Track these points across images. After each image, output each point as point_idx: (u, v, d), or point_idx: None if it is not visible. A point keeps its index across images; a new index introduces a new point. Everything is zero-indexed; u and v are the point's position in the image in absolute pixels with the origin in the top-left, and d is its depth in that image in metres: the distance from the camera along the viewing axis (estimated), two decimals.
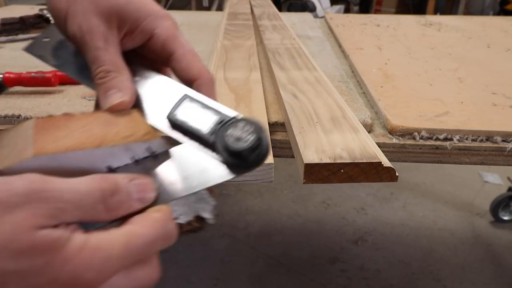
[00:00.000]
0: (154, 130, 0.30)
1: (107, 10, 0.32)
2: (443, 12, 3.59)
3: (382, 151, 0.40)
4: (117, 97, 0.30)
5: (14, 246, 0.21)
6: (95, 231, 0.24)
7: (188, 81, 0.34)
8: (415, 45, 0.91)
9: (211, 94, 0.34)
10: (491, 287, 1.36)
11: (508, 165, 0.50)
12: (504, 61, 0.81)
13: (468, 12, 3.55)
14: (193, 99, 0.32)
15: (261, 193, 1.78)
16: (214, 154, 0.30)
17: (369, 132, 0.51)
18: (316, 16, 1.25)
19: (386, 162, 0.37)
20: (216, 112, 0.31)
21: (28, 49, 0.38)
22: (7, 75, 0.61)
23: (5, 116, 0.54)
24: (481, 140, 0.50)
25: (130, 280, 0.25)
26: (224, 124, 0.30)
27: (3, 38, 0.94)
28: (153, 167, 0.30)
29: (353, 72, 0.74)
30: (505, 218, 1.63)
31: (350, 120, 0.45)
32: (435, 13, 3.53)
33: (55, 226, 0.23)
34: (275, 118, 0.52)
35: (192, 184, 0.29)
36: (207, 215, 0.37)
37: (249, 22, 1.00)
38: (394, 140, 0.50)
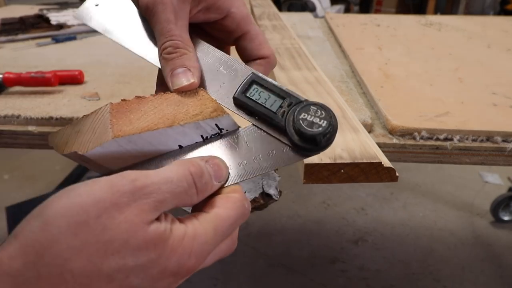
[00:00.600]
0: (222, 107, 0.31)
1: None
2: (443, 12, 3.59)
3: (382, 151, 0.40)
4: (186, 79, 0.31)
5: (132, 243, 0.23)
6: (188, 218, 0.27)
7: (257, 59, 0.35)
8: (415, 45, 0.91)
9: (271, 75, 0.35)
10: (491, 287, 1.36)
11: (508, 165, 0.50)
12: (504, 61, 0.81)
13: (468, 12, 3.55)
14: (260, 79, 0.32)
15: None
16: (281, 135, 0.30)
17: (369, 132, 0.51)
18: (316, 16, 1.25)
19: (386, 162, 0.37)
20: (285, 93, 0.31)
21: (78, 14, 0.37)
22: (7, 75, 0.61)
23: (5, 116, 0.54)
24: (481, 140, 0.49)
25: (215, 254, 0.28)
26: (293, 106, 0.30)
27: (3, 38, 0.94)
28: (222, 144, 0.31)
29: (353, 72, 0.74)
30: (505, 218, 1.63)
31: (350, 120, 0.45)
32: (435, 13, 3.53)
33: (157, 219, 0.25)
34: None
35: (262, 165, 0.30)
36: (272, 191, 0.37)
37: None
38: (394, 140, 0.50)
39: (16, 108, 0.56)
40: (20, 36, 0.96)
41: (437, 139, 0.50)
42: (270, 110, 0.30)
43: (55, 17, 1.06)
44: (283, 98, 0.30)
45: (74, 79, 0.66)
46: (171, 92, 0.31)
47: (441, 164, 0.50)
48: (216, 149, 0.31)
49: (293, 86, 0.55)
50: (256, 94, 0.31)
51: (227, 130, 0.31)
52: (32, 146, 0.54)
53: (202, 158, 0.29)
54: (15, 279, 0.21)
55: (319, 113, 0.29)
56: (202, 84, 0.33)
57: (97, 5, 0.36)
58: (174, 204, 0.26)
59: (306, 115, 0.29)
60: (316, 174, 0.37)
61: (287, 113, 0.30)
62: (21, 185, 1.82)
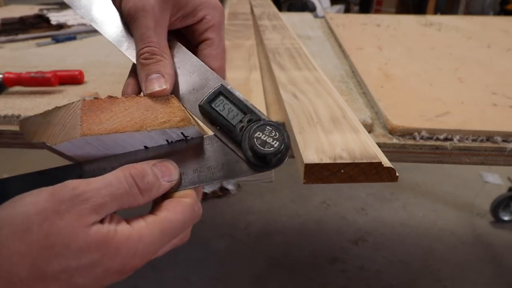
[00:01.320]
0: (189, 117, 0.32)
1: None
2: (443, 12, 3.59)
3: (382, 151, 0.39)
4: (158, 85, 0.32)
5: (74, 246, 0.24)
6: (135, 220, 0.28)
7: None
8: (415, 45, 0.91)
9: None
10: (491, 287, 1.36)
11: (508, 165, 0.50)
12: (504, 61, 0.81)
13: (468, 12, 3.55)
14: (227, 92, 0.33)
15: (261, 193, 1.78)
16: (238, 149, 0.31)
17: (369, 132, 0.51)
18: (316, 16, 1.25)
19: (386, 162, 0.37)
20: (248, 109, 0.32)
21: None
22: (7, 75, 0.61)
23: (4, 116, 0.54)
24: (481, 140, 0.49)
25: (165, 249, 0.29)
26: (252, 123, 0.31)
27: (3, 38, 0.94)
28: (183, 149, 0.32)
29: (353, 72, 0.74)
30: (505, 218, 1.63)
31: (350, 120, 0.45)
32: (435, 13, 3.53)
33: (101, 222, 0.26)
34: (275, 118, 0.52)
35: (215, 175, 0.31)
36: (230, 186, 0.37)
37: (249, 22, 1.00)
38: (394, 140, 0.50)
39: (16, 108, 0.56)
40: (20, 36, 0.96)
41: (437, 139, 0.50)
42: (230, 123, 0.32)
43: (55, 17, 1.06)
44: (245, 113, 0.32)
45: (74, 79, 0.66)
46: (143, 96, 0.32)
47: (441, 164, 0.50)
48: (178, 152, 0.32)
49: (293, 86, 0.55)
50: (221, 105, 0.32)
51: (191, 138, 0.32)
52: (32, 146, 0.54)
53: (148, 162, 0.30)
54: None
55: (273, 133, 0.30)
56: (175, 86, 0.34)
57: None
58: (117, 205, 0.27)
59: (261, 134, 0.30)
60: (316, 174, 0.37)
61: (245, 128, 0.31)
62: None
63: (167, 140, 0.32)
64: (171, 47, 0.35)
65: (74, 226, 0.25)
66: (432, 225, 1.63)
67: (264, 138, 0.30)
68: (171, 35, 0.36)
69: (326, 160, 0.37)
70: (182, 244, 0.31)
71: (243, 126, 0.31)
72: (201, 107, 0.33)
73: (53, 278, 0.24)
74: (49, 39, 0.95)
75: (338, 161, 0.37)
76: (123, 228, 0.26)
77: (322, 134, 0.42)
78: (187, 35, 0.38)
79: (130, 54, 0.35)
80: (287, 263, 1.44)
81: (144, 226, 0.27)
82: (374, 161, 0.37)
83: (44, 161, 2.15)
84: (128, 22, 0.34)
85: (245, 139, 0.31)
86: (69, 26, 1.03)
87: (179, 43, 0.36)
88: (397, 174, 0.37)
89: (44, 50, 0.89)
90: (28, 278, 0.24)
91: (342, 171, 0.37)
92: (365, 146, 0.39)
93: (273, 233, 1.57)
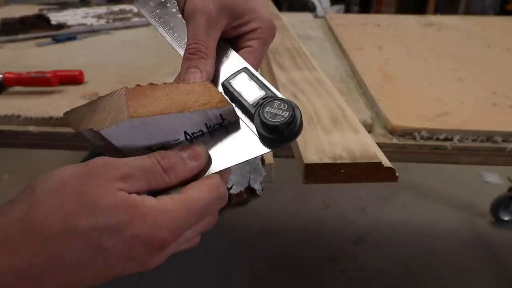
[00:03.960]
0: (227, 99, 0.34)
1: (226, 2, 0.37)
2: (443, 12, 3.59)
3: (382, 151, 0.39)
4: (195, 77, 0.35)
5: (103, 204, 0.26)
6: (162, 196, 0.29)
7: None
8: (415, 45, 0.91)
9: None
10: (491, 287, 1.36)
11: (508, 165, 0.50)
12: (504, 61, 0.81)
13: (468, 12, 3.55)
14: (250, 73, 0.35)
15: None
16: (253, 125, 0.33)
17: (369, 132, 0.51)
18: (316, 16, 1.25)
19: (386, 162, 0.37)
20: (266, 89, 0.34)
21: (137, 6, 0.44)
22: (7, 75, 0.61)
23: (5, 116, 0.54)
24: (482, 140, 0.49)
25: (193, 231, 0.30)
26: (267, 100, 0.32)
27: (3, 38, 0.94)
28: (222, 136, 0.34)
29: (353, 72, 0.74)
30: (505, 218, 1.63)
31: (350, 120, 0.45)
32: (435, 13, 3.53)
33: (128, 193, 0.27)
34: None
35: (233, 158, 0.32)
36: (257, 186, 0.37)
37: None
38: (394, 140, 0.50)
39: (16, 108, 0.56)
40: (20, 36, 0.96)
41: (437, 139, 0.50)
42: (246, 99, 0.33)
43: (55, 17, 1.06)
44: (262, 91, 0.34)
45: (74, 79, 0.66)
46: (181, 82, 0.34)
47: (441, 164, 0.50)
48: (217, 140, 0.34)
49: (293, 86, 0.55)
50: (240, 84, 0.35)
51: (228, 121, 0.33)
52: (32, 146, 0.54)
53: (175, 148, 0.32)
54: (2, 233, 0.25)
55: (283, 106, 0.32)
56: (216, 79, 0.37)
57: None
58: (144, 179, 0.28)
59: (270, 108, 0.32)
60: (316, 174, 0.37)
61: (261, 104, 0.32)
62: (21, 185, 1.82)
63: (206, 124, 0.33)
64: (223, 52, 0.38)
65: (103, 186, 0.26)
66: (432, 225, 1.63)
67: (274, 111, 0.31)
68: (224, 41, 0.39)
69: (326, 160, 0.37)
70: (210, 228, 0.32)
71: (258, 103, 0.33)
72: (223, 85, 0.35)
73: (83, 235, 0.25)
74: (49, 39, 0.95)
75: (338, 161, 0.37)
76: (150, 199, 0.28)
77: (322, 134, 0.42)
78: (234, 40, 0.40)
79: (182, 52, 0.38)
80: (287, 263, 1.44)
81: (171, 202, 0.28)
82: (374, 161, 0.37)
83: (44, 161, 2.15)
84: (186, 20, 0.38)
85: (257, 115, 0.32)
86: (69, 26, 1.03)
87: (232, 49, 0.39)
88: (397, 174, 0.37)
89: (44, 50, 0.89)
90: (59, 232, 0.25)
91: (342, 171, 0.37)
92: (365, 146, 0.39)
93: (273, 233, 1.57)
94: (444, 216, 1.69)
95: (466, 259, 1.46)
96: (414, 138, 0.50)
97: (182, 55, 0.38)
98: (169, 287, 1.32)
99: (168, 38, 0.41)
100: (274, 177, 0.46)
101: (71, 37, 0.97)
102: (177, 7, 0.41)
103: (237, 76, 0.35)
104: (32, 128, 0.53)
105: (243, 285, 1.35)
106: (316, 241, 1.54)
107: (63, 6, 1.27)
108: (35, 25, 1.01)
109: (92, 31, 1.04)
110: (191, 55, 0.36)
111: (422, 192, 1.84)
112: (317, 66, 0.64)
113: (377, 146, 0.40)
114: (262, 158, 0.45)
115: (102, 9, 1.21)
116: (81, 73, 0.66)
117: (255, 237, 1.55)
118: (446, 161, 0.50)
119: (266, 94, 0.33)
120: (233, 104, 0.34)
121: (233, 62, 0.38)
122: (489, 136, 0.49)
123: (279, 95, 0.33)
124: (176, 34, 0.41)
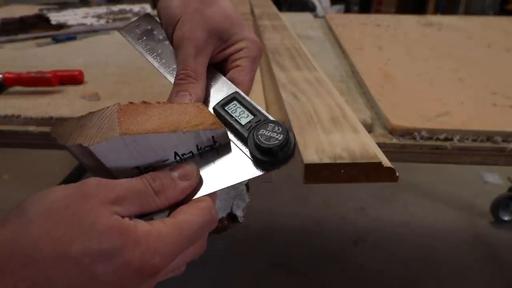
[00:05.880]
0: (219, 121, 0.34)
1: (213, 28, 0.38)
2: (443, 12, 3.59)
3: (382, 151, 0.39)
4: (185, 100, 0.36)
5: (97, 227, 0.25)
6: (154, 221, 0.28)
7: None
8: (415, 45, 0.91)
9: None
10: (491, 287, 1.36)
11: (508, 165, 0.50)
12: (504, 61, 0.81)
13: (468, 12, 3.55)
14: (241, 97, 0.36)
15: (261, 193, 1.78)
16: (246, 148, 0.33)
17: (369, 132, 0.51)
18: (316, 16, 1.25)
19: (386, 162, 0.37)
20: (258, 112, 0.34)
21: (123, 33, 0.44)
22: (7, 75, 0.61)
23: (5, 116, 0.54)
24: (482, 140, 0.49)
25: (183, 257, 0.30)
26: (260, 123, 0.33)
27: (3, 38, 0.94)
28: (213, 158, 0.33)
29: (353, 72, 0.74)
30: (506, 218, 1.63)
31: (350, 120, 0.45)
32: (435, 13, 3.53)
33: (122, 217, 0.27)
34: (275, 118, 0.51)
35: (225, 180, 0.32)
36: (239, 212, 0.37)
37: (249, 22, 1.00)
38: (394, 140, 0.50)
39: (16, 108, 0.56)
40: (20, 36, 0.96)
41: (437, 139, 0.50)
42: (239, 122, 0.34)
43: (55, 17, 1.06)
44: (254, 115, 0.34)
45: (74, 79, 0.66)
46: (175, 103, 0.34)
47: (441, 164, 0.50)
48: (207, 162, 0.33)
49: (293, 86, 0.55)
50: (232, 108, 0.35)
51: (219, 144, 0.33)
52: (32, 146, 0.54)
53: (165, 169, 0.31)
54: None
55: (276, 129, 0.32)
56: (206, 102, 0.38)
57: (137, 27, 0.44)
58: (136, 202, 0.28)
59: (265, 130, 0.32)
60: (316, 174, 0.37)
61: (253, 128, 0.33)
62: (21, 185, 1.82)
63: (197, 146, 0.33)
64: (212, 77, 0.39)
65: (99, 209, 0.26)
66: (432, 225, 1.63)
67: (268, 134, 0.31)
68: (213, 67, 0.39)
69: (326, 160, 0.37)
70: (199, 254, 0.32)
71: (251, 126, 0.33)
72: (214, 109, 0.35)
73: (74, 260, 0.24)
74: (49, 39, 0.95)
75: (338, 161, 0.37)
76: (143, 224, 0.27)
77: (322, 134, 0.42)
78: (223, 63, 0.41)
79: (171, 78, 0.39)
80: (287, 263, 1.44)
81: (163, 227, 0.28)
82: (374, 161, 0.37)
83: (44, 161, 2.15)
84: (175, 48, 0.39)
85: (250, 137, 0.32)
86: (69, 26, 1.03)
87: (221, 74, 0.39)
88: (397, 174, 0.37)
89: (44, 50, 0.89)
90: (50, 256, 0.24)
91: (342, 171, 0.37)
92: (365, 146, 0.39)
93: (273, 233, 1.57)
94: (444, 216, 1.69)
95: (466, 259, 1.46)
96: (414, 138, 0.50)
97: (171, 80, 0.38)
98: (169, 287, 1.32)
99: (156, 64, 0.41)
100: (274, 177, 0.46)
101: (71, 37, 0.97)
102: (164, 34, 0.42)
103: (228, 101, 0.36)
104: (32, 128, 0.53)
105: (243, 285, 1.35)
106: (316, 241, 1.54)
107: (63, 6, 1.27)
108: (35, 25, 1.01)
109: (92, 31, 1.04)
110: (181, 80, 0.37)
111: (422, 192, 1.84)
112: (317, 66, 0.64)
113: (377, 146, 0.40)
114: (247, 184, 0.45)
115: (102, 9, 1.21)
116: (81, 73, 0.66)
117: (255, 237, 1.55)
118: (446, 161, 0.50)
119: (258, 117, 0.33)
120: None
121: (223, 87, 0.38)
122: (489, 136, 0.49)
123: (271, 118, 0.33)
124: (164, 61, 0.41)
